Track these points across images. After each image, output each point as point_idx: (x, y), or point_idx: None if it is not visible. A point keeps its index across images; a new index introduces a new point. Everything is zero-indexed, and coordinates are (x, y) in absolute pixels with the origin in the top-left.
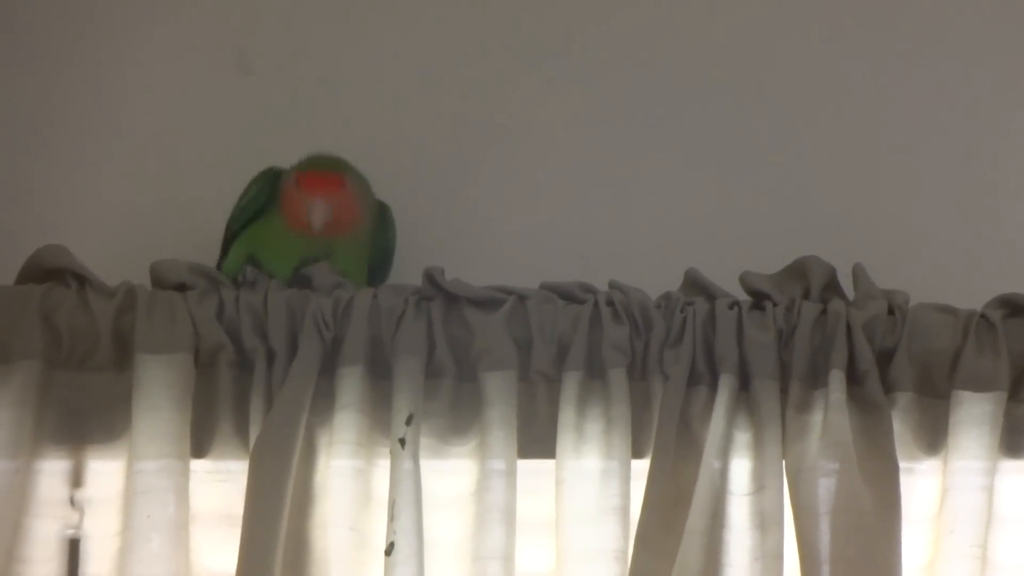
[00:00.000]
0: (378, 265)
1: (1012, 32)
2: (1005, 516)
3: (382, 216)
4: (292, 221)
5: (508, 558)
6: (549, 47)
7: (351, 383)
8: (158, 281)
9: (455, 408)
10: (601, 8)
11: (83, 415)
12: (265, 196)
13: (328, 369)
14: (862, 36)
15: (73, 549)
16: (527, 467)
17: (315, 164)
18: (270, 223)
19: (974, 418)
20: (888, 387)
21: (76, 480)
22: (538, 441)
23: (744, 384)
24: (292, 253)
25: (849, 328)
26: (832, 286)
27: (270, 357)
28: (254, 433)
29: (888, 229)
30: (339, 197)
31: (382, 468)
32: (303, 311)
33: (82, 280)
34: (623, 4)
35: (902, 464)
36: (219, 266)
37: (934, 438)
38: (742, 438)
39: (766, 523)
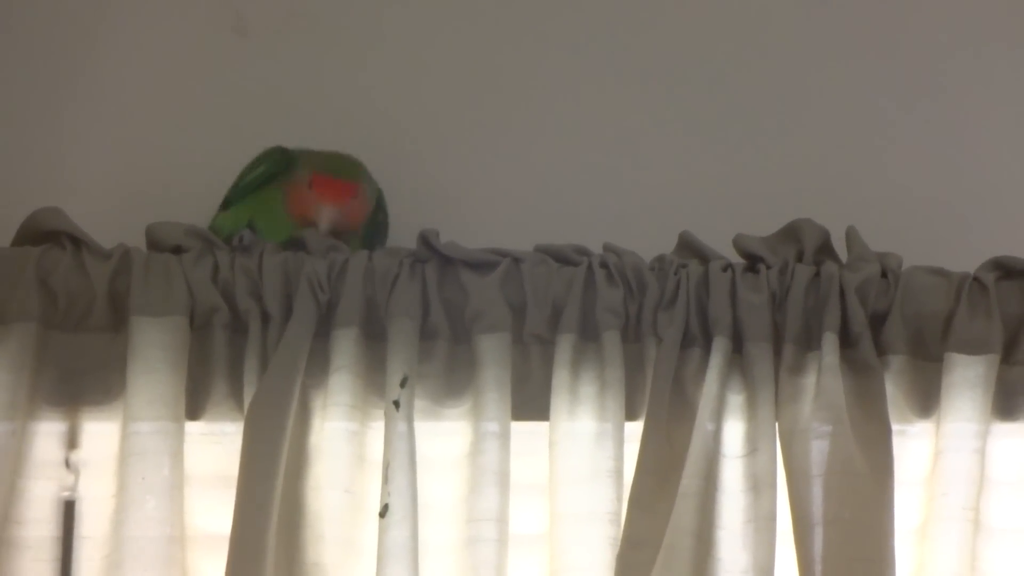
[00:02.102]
0: (368, 245)
1: None
2: (997, 479)
3: (376, 203)
4: (297, 215)
5: (502, 520)
6: (543, 8)
7: (345, 345)
8: (154, 243)
9: (449, 370)
10: None
11: (79, 377)
12: (271, 175)
13: (323, 331)
14: (856, 6)
15: (68, 511)
16: (521, 429)
17: (333, 168)
18: (274, 202)
19: (967, 380)
20: (881, 350)
21: (71, 442)
22: (532, 403)
23: (737, 346)
24: (288, 233)
25: (842, 291)
26: (825, 249)
27: (265, 319)
28: (249, 395)
29: (881, 192)
30: (350, 206)
31: (376, 430)
32: (298, 273)
33: (78, 242)
34: None
35: (895, 426)
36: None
37: (927, 400)
38: (735, 400)
39: (759, 485)
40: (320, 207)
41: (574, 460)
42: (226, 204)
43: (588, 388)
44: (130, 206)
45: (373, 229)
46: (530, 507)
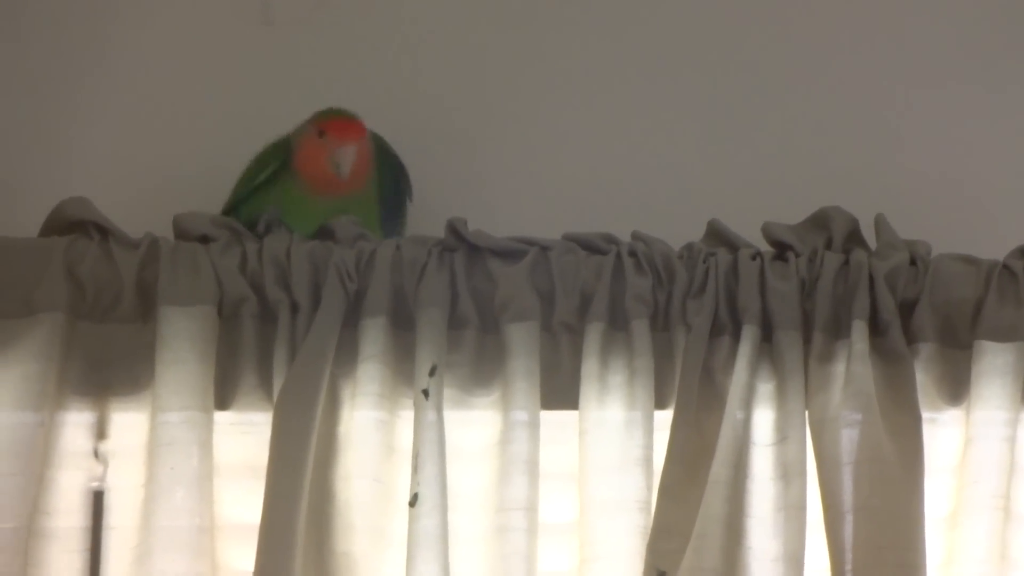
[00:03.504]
0: (390, 217)
1: None
2: None
3: (390, 167)
4: (312, 175)
5: (531, 509)
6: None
7: (374, 334)
8: (181, 233)
9: (478, 359)
10: None
11: (107, 367)
12: (276, 168)
13: (351, 321)
14: None
15: (97, 501)
16: (550, 418)
17: (335, 114)
18: (284, 189)
19: (996, 368)
20: (910, 337)
21: (100, 432)
22: (561, 392)
23: (767, 335)
24: (309, 217)
25: (871, 278)
26: (854, 236)
27: (293, 309)
28: (278, 385)
29: (910, 179)
30: (362, 144)
31: (405, 419)
32: (326, 263)
33: (105, 232)
34: None
35: (925, 414)
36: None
37: (956, 388)
38: (765, 388)
39: (789, 473)
40: (338, 150)
41: (604, 449)
42: (232, 207)
43: (617, 377)
44: (157, 196)
45: (394, 195)
46: (560, 496)
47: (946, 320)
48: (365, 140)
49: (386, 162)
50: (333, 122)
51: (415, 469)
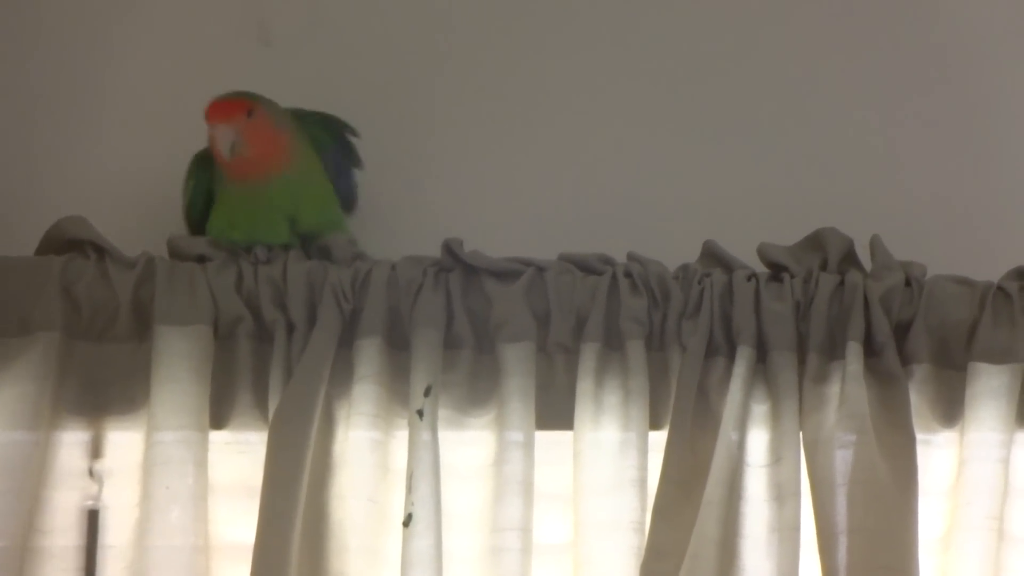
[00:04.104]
0: (345, 191)
1: None
2: (1022, 488)
3: (332, 142)
4: (221, 165)
5: (526, 529)
6: (566, 15)
7: (369, 354)
8: (176, 254)
9: (473, 379)
10: None
11: (103, 386)
12: (205, 183)
13: (347, 341)
14: (876, 8)
15: (92, 520)
16: (545, 438)
17: (215, 99)
18: (220, 191)
19: (991, 390)
20: (905, 359)
21: (95, 451)
22: (556, 412)
23: (761, 356)
24: (247, 208)
25: (866, 300)
26: (849, 258)
27: (289, 329)
28: (273, 405)
29: (905, 200)
30: (243, 123)
31: (400, 439)
32: (322, 282)
33: (101, 251)
34: None
35: (919, 436)
36: None
37: (951, 410)
38: (759, 409)
39: (783, 494)
40: (211, 135)
41: (598, 469)
42: (188, 223)
43: (612, 397)
44: (154, 215)
45: (336, 155)
46: (554, 516)
47: (941, 341)
48: (251, 120)
49: (326, 138)
50: (207, 108)
51: (409, 489)
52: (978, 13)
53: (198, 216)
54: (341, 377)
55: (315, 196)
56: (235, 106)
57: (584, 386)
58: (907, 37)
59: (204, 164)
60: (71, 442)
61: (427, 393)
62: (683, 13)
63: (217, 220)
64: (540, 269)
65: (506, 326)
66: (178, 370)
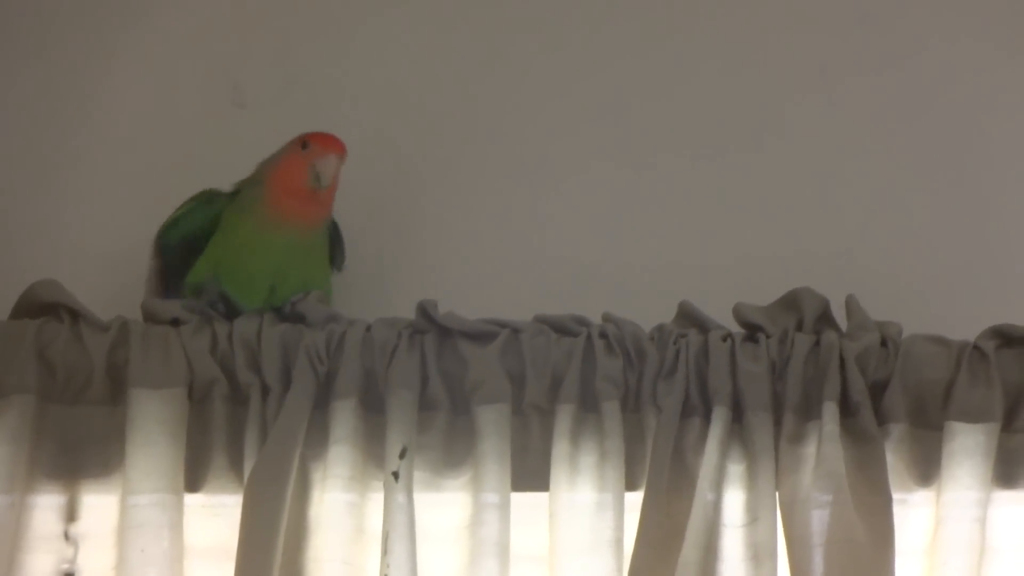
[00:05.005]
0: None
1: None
2: (998, 547)
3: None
4: (288, 189)
5: None
6: (541, 78)
7: (344, 417)
8: (149, 318)
9: (449, 441)
10: (609, 47)
11: (77, 449)
12: (202, 216)
13: (322, 403)
14: (850, 65)
15: None
16: (521, 500)
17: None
18: (241, 225)
19: (967, 449)
20: (881, 418)
21: (71, 514)
22: (532, 474)
23: (738, 416)
24: (268, 252)
25: (842, 360)
26: (825, 317)
27: (264, 391)
28: (248, 467)
29: (880, 260)
30: (340, 164)
31: (375, 502)
32: (296, 345)
33: (75, 315)
34: (632, 45)
35: (895, 495)
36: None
37: (927, 469)
38: (736, 470)
39: (760, 555)
40: (320, 159)
41: (574, 531)
42: (158, 250)
43: (588, 458)
44: (127, 279)
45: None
46: None
47: (917, 401)
48: (343, 160)
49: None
50: (318, 134)
51: (385, 551)
52: (953, 66)
53: (174, 241)
54: (316, 439)
55: (317, 265)
56: (343, 145)
57: (560, 447)
58: (879, 92)
59: (213, 200)
60: (46, 505)
61: (402, 455)
62: (657, 77)
63: (206, 263)
64: (515, 330)
65: (481, 388)
66: (153, 433)
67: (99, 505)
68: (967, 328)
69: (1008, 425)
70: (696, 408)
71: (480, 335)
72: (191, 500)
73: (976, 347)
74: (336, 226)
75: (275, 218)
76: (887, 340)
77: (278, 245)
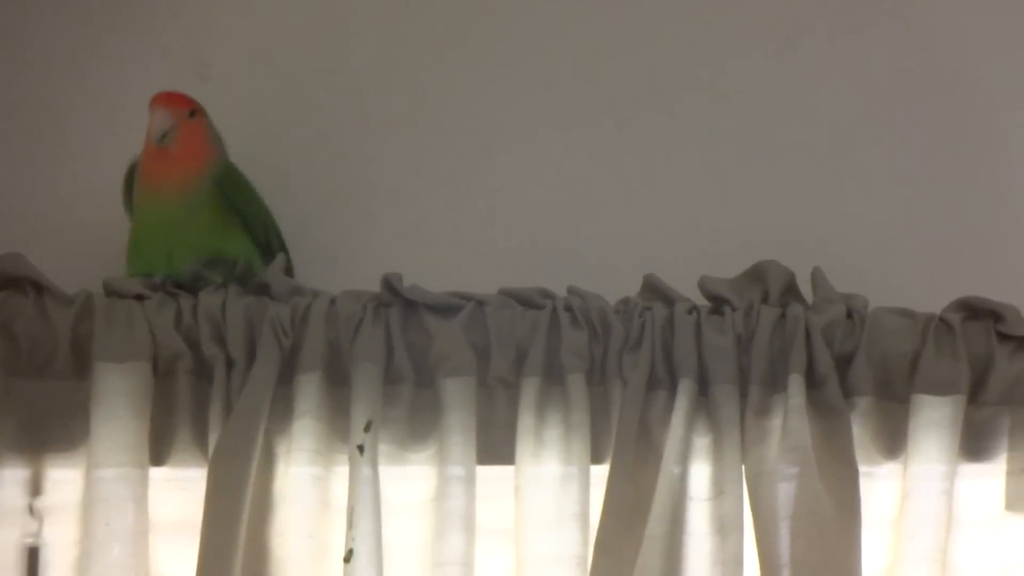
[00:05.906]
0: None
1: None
2: (965, 520)
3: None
4: (144, 163)
5: (468, 564)
6: (505, 51)
7: (309, 390)
8: (113, 294)
9: (414, 414)
10: (565, 14)
11: (42, 423)
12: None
13: (286, 376)
14: (820, 41)
15: (32, 557)
16: (486, 473)
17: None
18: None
19: (934, 422)
20: (847, 391)
21: (35, 488)
22: (497, 447)
23: (703, 389)
24: (147, 218)
25: (808, 332)
26: (791, 290)
27: (229, 365)
28: (213, 441)
29: (846, 233)
30: (182, 118)
31: (341, 475)
32: (261, 318)
33: (40, 288)
34: (589, 11)
35: (862, 468)
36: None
37: (894, 442)
38: (701, 443)
39: (726, 528)
40: (151, 116)
41: (540, 504)
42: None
43: (553, 431)
44: (92, 252)
45: (232, 186)
46: (496, 551)
47: (883, 374)
48: (184, 112)
49: (245, 200)
50: (160, 92)
51: (350, 525)
52: (914, 38)
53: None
54: (281, 413)
55: (218, 227)
56: (181, 99)
57: (525, 420)
58: (850, 75)
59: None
60: (11, 479)
61: (367, 428)
62: (621, 48)
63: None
64: (480, 303)
65: (446, 361)
66: (117, 407)
67: (64, 479)
68: (933, 301)
69: (974, 398)
70: (662, 381)
71: (445, 308)
72: (156, 474)
73: (942, 320)
74: (255, 198)
75: (146, 185)
76: (853, 313)
77: (152, 209)
